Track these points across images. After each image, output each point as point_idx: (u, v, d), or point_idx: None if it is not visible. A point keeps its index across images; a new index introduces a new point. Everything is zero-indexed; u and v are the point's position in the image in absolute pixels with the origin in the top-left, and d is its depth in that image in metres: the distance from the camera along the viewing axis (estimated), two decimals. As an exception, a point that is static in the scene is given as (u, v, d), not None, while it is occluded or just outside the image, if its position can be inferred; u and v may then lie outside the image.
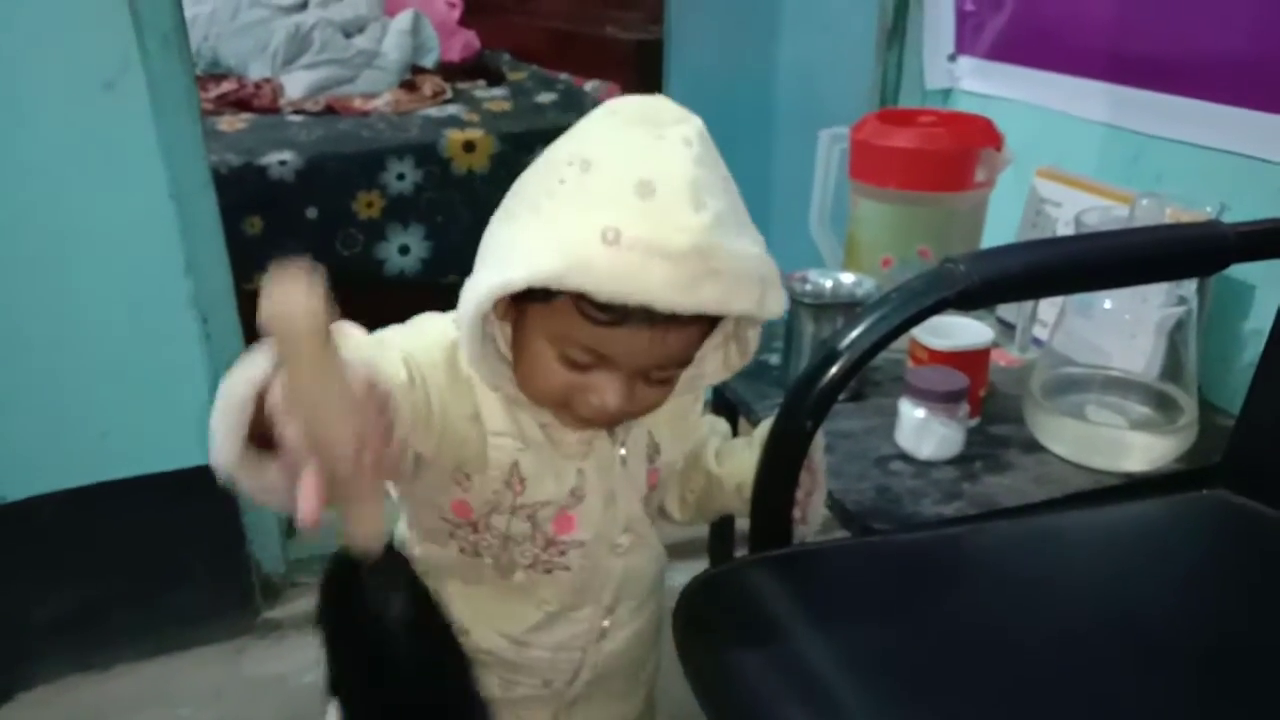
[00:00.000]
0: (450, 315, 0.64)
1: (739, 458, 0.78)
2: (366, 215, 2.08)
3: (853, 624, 0.68)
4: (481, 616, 0.73)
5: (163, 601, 1.34)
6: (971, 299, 0.73)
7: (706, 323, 0.63)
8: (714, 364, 0.68)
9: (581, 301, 0.57)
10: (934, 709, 0.60)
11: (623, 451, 0.71)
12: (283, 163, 2.01)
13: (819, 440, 0.74)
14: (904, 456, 0.94)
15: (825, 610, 0.69)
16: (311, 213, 2.05)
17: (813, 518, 0.76)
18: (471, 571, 0.72)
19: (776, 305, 0.61)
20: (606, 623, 0.76)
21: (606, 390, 0.61)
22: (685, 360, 0.65)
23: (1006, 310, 1.25)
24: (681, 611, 0.74)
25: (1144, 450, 0.92)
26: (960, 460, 0.93)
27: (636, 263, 0.54)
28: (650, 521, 0.77)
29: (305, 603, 1.42)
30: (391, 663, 0.55)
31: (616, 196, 0.55)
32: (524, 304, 0.61)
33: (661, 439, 0.74)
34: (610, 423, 0.67)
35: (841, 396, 1.05)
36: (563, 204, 0.56)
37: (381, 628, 0.54)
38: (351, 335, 0.57)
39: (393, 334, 0.65)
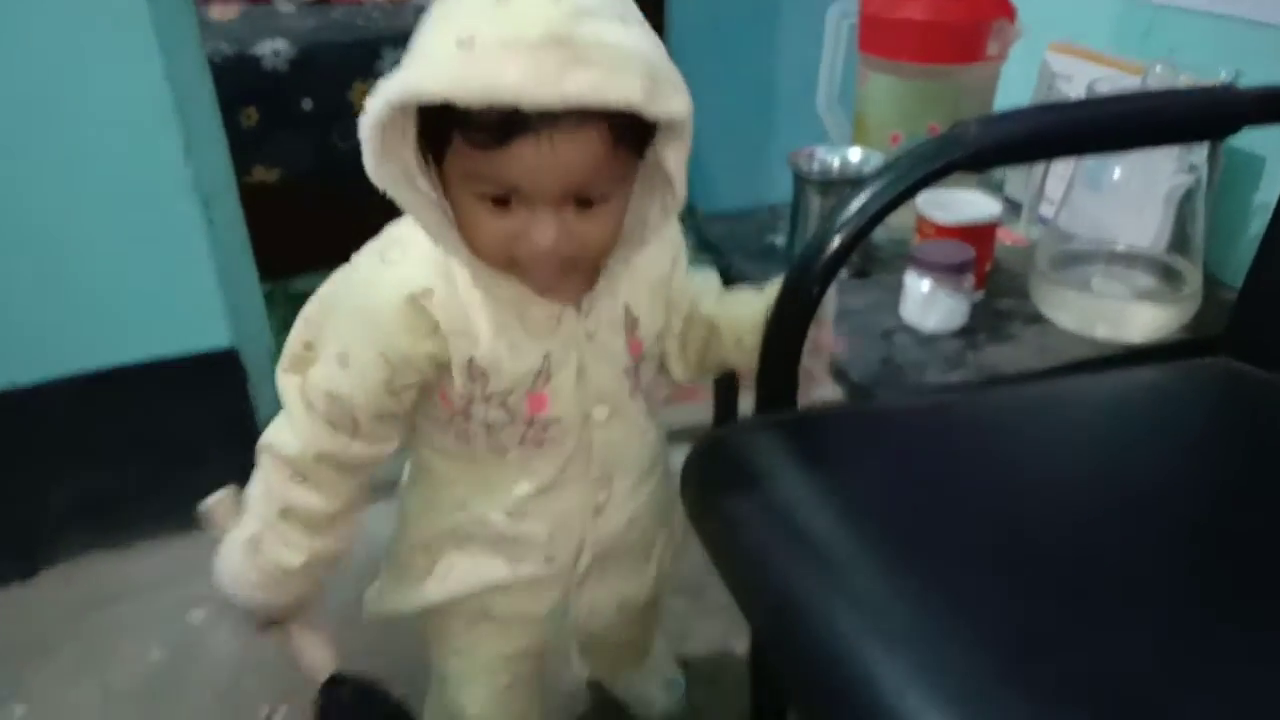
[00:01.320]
0: (390, 254, 0.67)
1: (740, 308, 0.78)
2: (363, 106, 2.04)
3: (855, 485, 0.69)
4: (478, 490, 0.76)
5: (178, 482, 1.35)
6: (983, 160, 0.72)
7: (608, 131, 0.58)
8: (654, 211, 0.67)
9: (466, 130, 0.57)
10: (936, 567, 0.61)
11: (589, 324, 0.71)
12: (276, 52, 1.97)
13: (830, 297, 0.74)
14: (908, 329, 0.95)
15: (828, 471, 0.70)
16: (307, 104, 2.02)
17: (820, 374, 0.77)
18: (469, 454, 0.75)
19: (673, 103, 0.57)
20: (601, 498, 0.78)
21: (534, 228, 0.61)
22: (603, 183, 0.62)
23: (1014, 189, 1.24)
24: (690, 472, 0.76)
25: (1147, 320, 0.93)
26: (964, 332, 0.94)
27: (491, 60, 0.53)
28: (635, 394, 0.77)
29: (317, 486, 1.45)
30: None
31: (475, 8, 0.55)
32: (438, 157, 0.62)
33: (639, 310, 0.74)
34: (562, 270, 0.65)
35: (847, 273, 1.06)
36: (428, 29, 0.57)
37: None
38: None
39: (348, 329, 0.69)
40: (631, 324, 0.74)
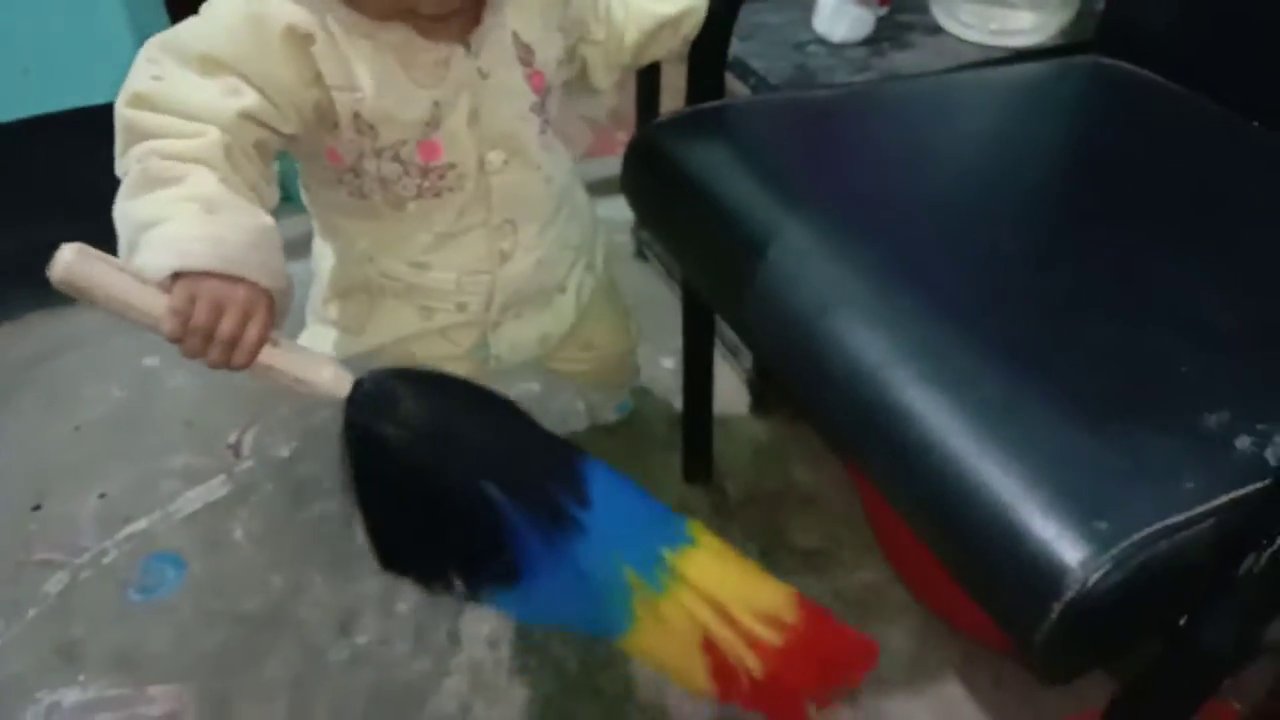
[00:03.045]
0: None
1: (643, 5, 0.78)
2: None
3: (777, 164, 0.77)
4: (382, 245, 0.76)
5: (107, 239, 1.38)
6: None
7: None
8: None
9: None
10: (869, 238, 0.69)
11: (481, 63, 0.69)
12: None
13: None
14: (820, 40, 1.02)
15: (753, 152, 0.78)
16: None
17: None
18: (367, 209, 0.74)
19: None
20: (507, 245, 0.78)
21: None
22: None
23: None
24: (629, 164, 0.84)
25: (1031, 24, 1.02)
26: (869, 42, 1.02)
27: None
28: (545, 130, 0.75)
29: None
30: (400, 473, 0.58)
31: None
32: None
33: (531, 37, 0.71)
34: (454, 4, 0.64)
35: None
36: None
37: (380, 447, 0.58)
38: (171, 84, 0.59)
39: (196, 41, 0.60)
40: (526, 54, 0.71)
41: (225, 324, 0.55)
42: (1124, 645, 0.52)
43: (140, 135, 0.59)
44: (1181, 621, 0.49)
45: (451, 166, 0.71)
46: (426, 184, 0.72)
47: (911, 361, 0.57)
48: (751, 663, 0.61)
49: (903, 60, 0.99)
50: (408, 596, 1.00)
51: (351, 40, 0.63)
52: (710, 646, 0.61)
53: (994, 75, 0.92)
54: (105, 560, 1.05)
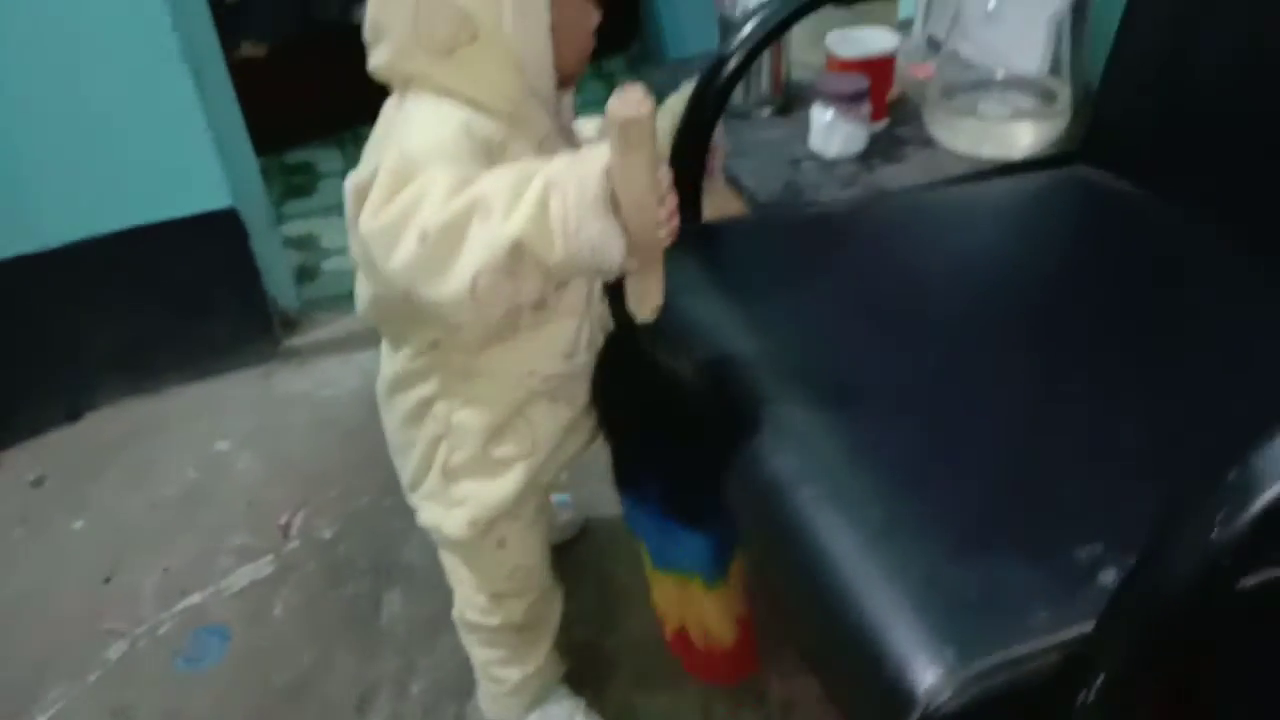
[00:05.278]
0: (441, 105, 0.67)
1: None
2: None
3: (755, 286, 0.83)
4: (541, 351, 0.77)
5: (197, 334, 1.54)
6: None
7: None
8: None
9: None
10: (821, 348, 0.75)
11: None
12: (253, -73, 2.03)
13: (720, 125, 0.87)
14: (814, 157, 1.07)
15: (731, 274, 0.84)
16: (287, -23, 2.09)
17: (717, 177, 0.87)
18: (513, 328, 0.74)
19: None
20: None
21: (589, 7, 0.70)
22: None
23: (936, 27, 1.33)
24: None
25: (1024, 137, 1.05)
26: (862, 157, 1.06)
27: None
28: None
29: (320, 333, 1.63)
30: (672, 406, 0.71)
31: None
32: None
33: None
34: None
35: (769, 110, 1.18)
36: None
37: (663, 378, 0.69)
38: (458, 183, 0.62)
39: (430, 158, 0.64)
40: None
41: None
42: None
43: (451, 228, 0.62)
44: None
45: None
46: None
47: (813, 482, 0.61)
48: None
49: (890, 174, 1.03)
50: (422, 677, 1.07)
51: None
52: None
53: (970, 191, 0.96)
54: (160, 631, 1.16)
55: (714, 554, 0.80)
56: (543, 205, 0.60)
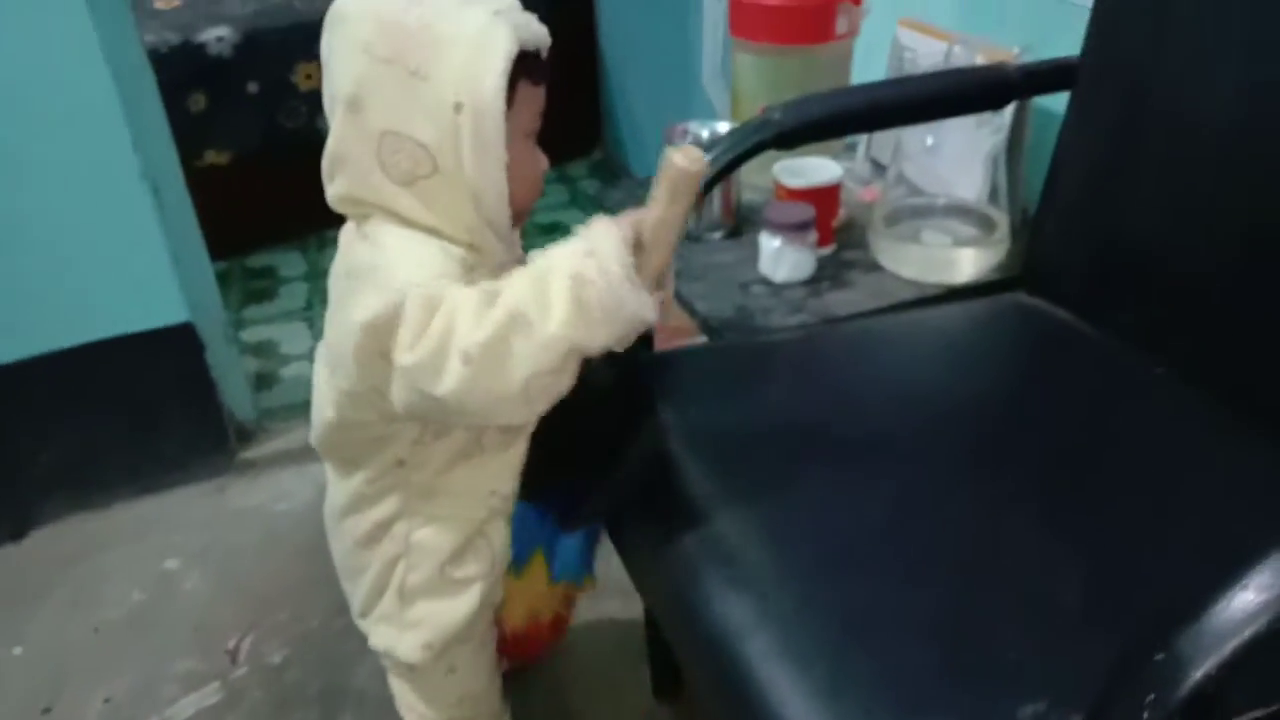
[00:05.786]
0: (407, 232, 0.70)
1: None
2: (307, 87, 2.16)
3: (701, 414, 0.84)
4: (504, 471, 0.80)
5: (149, 448, 1.52)
6: (788, 139, 0.88)
7: None
8: None
9: (530, 74, 0.68)
10: (766, 478, 0.76)
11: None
12: (220, 38, 2.08)
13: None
14: (764, 281, 1.10)
15: (682, 410, 0.84)
16: (253, 87, 2.13)
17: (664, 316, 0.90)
18: (479, 448, 0.77)
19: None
20: None
21: (539, 153, 0.74)
22: None
23: (880, 151, 1.39)
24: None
25: (966, 265, 1.08)
26: (810, 282, 1.09)
27: (520, 15, 0.68)
28: None
29: (277, 443, 1.61)
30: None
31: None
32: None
33: None
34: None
35: (721, 234, 1.21)
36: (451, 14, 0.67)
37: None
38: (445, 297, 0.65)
39: (424, 280, 0.67)
40: None
41: None
42: None
43: (492, 344, 0.63)
44: None
45: None
46: None
47: (760, 634, 0.62)
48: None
49: (839, 300, 1.06)
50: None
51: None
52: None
53: (915, 319, 0.98)
54: (97, 767, 1.11)
55: (588, 554, 0.91)
56: (578, 302, 0.62)
